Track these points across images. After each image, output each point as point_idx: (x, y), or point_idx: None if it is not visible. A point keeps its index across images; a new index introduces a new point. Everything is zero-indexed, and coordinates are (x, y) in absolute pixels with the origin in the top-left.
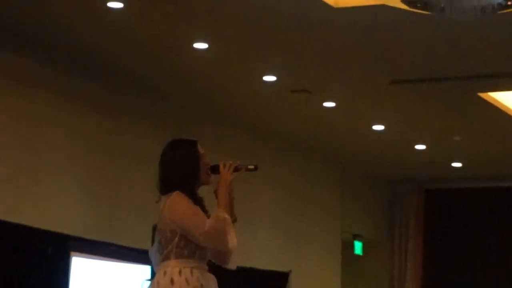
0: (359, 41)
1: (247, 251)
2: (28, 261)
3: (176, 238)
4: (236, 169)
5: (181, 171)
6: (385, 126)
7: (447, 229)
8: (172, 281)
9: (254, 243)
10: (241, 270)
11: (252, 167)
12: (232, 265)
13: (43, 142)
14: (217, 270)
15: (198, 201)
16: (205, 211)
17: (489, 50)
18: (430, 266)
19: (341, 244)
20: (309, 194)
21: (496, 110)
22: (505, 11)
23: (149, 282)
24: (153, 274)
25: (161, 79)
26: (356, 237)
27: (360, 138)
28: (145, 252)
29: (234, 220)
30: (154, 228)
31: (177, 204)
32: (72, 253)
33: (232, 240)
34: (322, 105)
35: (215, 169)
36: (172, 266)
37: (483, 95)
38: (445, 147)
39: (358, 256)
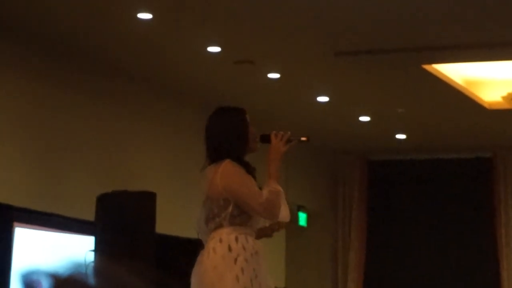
0: (304, 12)
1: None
2: None
3: (230, 207)
4: (288, 140)
5: (230, 139)
6: (330, 98)
7: (391, 200)
8: (230, 248)
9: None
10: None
11: (304, 138)
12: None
13: None
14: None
15: (250, 171)
16: (255, 179)
17: (434, 22)
18: (374, 237)
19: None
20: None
21: (440, 82)
22: None
23: (92, 253)
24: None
25: (104, 49)
26: (300, 208)
27: (304, 110)
28: (90, 223)
29: None
30: (99, 199)
31: (231, 172)
32: (15, 223)
33: (283, 212)
34: (266, 76)
35: (265, 138)
36: (227, 233)
37: (427, 67)
38: (389, 118)
39: (302, 227)
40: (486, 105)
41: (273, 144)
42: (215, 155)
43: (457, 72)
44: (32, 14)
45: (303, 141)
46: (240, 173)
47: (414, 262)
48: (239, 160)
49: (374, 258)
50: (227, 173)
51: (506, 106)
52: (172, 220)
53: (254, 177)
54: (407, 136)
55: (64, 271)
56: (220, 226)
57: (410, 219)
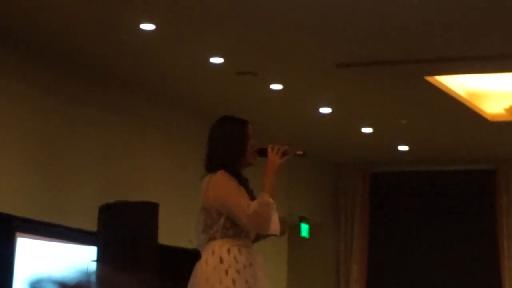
0: (306, 23)
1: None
2: None
3: (222, 220)
4: (284, 154)
5: (228, 149)
6: (332, 109)
7: (393, 211)
8: (221, 260)
9: None
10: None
11: (300, 152)
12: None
13: None
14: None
15: (243, 182)
16: (249, 192)
17: (436, 34)
18: (376, 248)
19: (288, 227)
20: (254, 177)
21: (442, 94)
22: None
23: (95, 263)
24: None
25: (106, 60)
26: (302, 219)
27: (307, 121)
28: (92, 233)
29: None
30: (101, 209)
31: (222, 184)
32: (17, 233)
33: (274, 225)
34: (269, 87)
35: (262, 152)
36: (220, 245)
37: (429, 78)
38: (391, 130)
39: (304, 238)
40: (488, 117)
41: (269, 157)
42: (210, 165)
43: (459, 84)
44: (35, 25)
45: (299, 155)
46: (230, 185)
47: (416, 273)
48: (233, 171)
49: (376, 269)
50: (218, 184)
51: (509, 118)
52: (174, 230)
53: (247, 188)
54: (409, 147)
55: (71, 279)
56: (213, 238)
57: (412, 231)
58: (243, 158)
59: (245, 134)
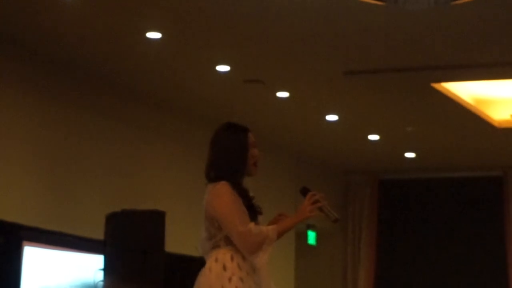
0: (313, 31)
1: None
2: None
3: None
4: (320, 209)
5: (229, 159)
6: (339, 117)
7: (400, 219)
8: (224, 267)
9: None
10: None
11: (334, 217)
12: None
13: None
14: None
15: (243, 193)
16: (250, 202)
17: (443, 41)
18: (383, 256)
19: (295, 234)
20: (262, 185)
21: (449, 101)
22: (458, 2)
23: (102, 272)
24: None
25: (114, 69)
26: (309, 227)
27: (314, 129)
28: (99, 242)
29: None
30: (108, 218)
31: (220, 195)
32: (24, 242)
33: (262, 257)
34: (275, 95)
35: (303, 192)
36: (223, 253)
37: (436, 85)
38: (398, 137)
39: (311, 246)
40: (495, 124)
41: (304, 204)
42: (211, 175)
43: (466, 91)
44: (42, 35)
45: (330, 218)
46: (229, 199)
47: (423, 280)
48: (234, 183)
49: (383, 277)
50: (217, 194)
51: None
52: (182, 239)
53: (247, 198)
54: (416, 154)
55: None
56: (217, 246)
57: (420, 238)
58: (244, 168)
59: (246, 143)
